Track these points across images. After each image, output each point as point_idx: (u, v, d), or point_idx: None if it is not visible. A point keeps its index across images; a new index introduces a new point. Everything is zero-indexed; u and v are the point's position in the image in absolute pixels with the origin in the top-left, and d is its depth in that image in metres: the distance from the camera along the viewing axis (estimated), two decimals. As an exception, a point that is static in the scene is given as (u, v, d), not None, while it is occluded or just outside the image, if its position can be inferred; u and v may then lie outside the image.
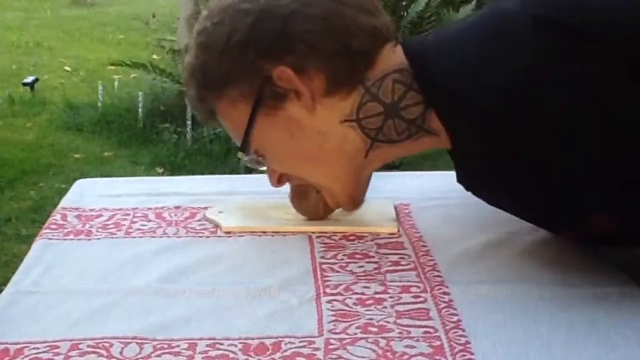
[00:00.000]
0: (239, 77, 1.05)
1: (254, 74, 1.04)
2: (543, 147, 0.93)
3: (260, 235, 1.16)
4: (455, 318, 0.91)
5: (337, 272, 1.03)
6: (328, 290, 0.98)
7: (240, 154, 1.12)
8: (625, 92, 0.90)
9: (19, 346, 0.86)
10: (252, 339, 0.87)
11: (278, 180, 1.15)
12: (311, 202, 1.16)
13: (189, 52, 1.11)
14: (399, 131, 1.05)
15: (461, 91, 0.97)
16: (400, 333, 0.88)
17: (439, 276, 1.01)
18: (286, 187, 1.23)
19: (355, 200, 1.15)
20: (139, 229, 1.18)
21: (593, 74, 0.91)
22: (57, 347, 0.86)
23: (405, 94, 1.03)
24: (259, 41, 1.04)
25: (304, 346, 0.86)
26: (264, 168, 1.15)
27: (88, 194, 1.32)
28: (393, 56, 1.05)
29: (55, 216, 1.23)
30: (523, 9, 0.96)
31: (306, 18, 1.03)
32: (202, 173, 3.80)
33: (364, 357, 0.84)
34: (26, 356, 0.85)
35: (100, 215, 1.23)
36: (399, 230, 1.16)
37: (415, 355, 0.84)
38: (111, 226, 1.19)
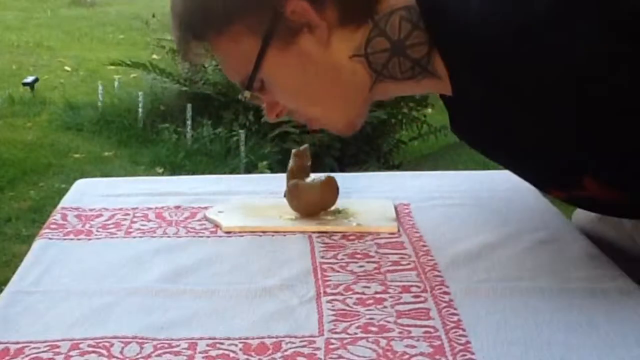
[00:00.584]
0: (246, 13, 1.01)
1: (263, 8, 1.00)
2: (545, 99, 0.92)
3: (261, 235, 1.16)
4: (455, 318, 0.91)
5: (338, 271, 1.04)
6: (328, 290, 0.98)
7: (245, 93, 1.07)
8: (634, 52, 0.88)
9: (19, 346, 0.86)
10: (253, 338, 0.87)
11: (277, 115, 1.11)
12: (304, 202, 1.19)
13: None
14: (402, 69, 1.03)
15: (466, 33, 0.95)
16: (400, 333, 0.88)
17: (439, 276, 1.01)
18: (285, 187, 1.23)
19: (355, 127, 1.11)
20: (139, 229, 1.18)
21: (603, 33, 0.88)
22: (58, 346, 0.86)
23: (411, 32, 1.01)
24: None
25: (304, 346, 0.86)
26: (264, 105, 1.11)
27: (88, 193, 1.32)
28: None
29: (55, 216, 1.23)
30: None
31: None
32: (202, 173, 3.80)
33: (364, 357, 0.84)
34: (27, 356, 0.85)
35: (100, 215, 1.23)
36: (399, 230, 1.16)
37: (415, 355, 0.84)
38: (111, 226, 1.19)
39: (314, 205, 1.21)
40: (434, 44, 0.99)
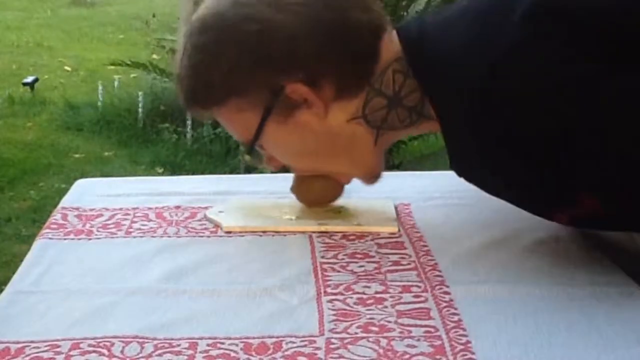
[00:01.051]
0: (247, 91, 1.06)
1: (263, 88, 1.05)
2: (527, 127, 0.94)
3: (261, 235, 1.16)
4: (455, 318, 0.91)
5: (338, 271, 1.04)
6: (329, 290, 0.98)
7: (246, 157, 1.15)
8: (608, 71, 0.91)
9: (19, 345, 0.86)
10: (253, 338, 0.87)
11: (276, 166, 1.18)
12: (315, 192, 1.20)
13: (183, 65, 1.09)
14: (401, 119, 1.07)
15: (448, 74, 0.98)
16: (401, 333, 0.88)
17: (439, 276, 1.01)
18: (287, 187, 1.23)
19: (376, 176, 1.17)
20: (139, 229, 1.18)
21: (577, 54, 0.92)
22: (58, 346, 0.86)
23: (404, 82, 1.05)
24: (267, 59, 1.04)
25: (305, 346, 0.86)
26: (265, 160, 1.17)
27: (88, 193, 1.32)
28: (391, 45, 1.06)
29: (56, 216, 1.23)
30: None
31: (310, 30, 1.04)
32: (202, 173, 3.80)
33: (365, 357, 0.84)
34: (27, 355, 0.85)
35: (101, 215, 1.23)
36: (399, 230, 1.16)
37: (416, 355, 0.84)
38: (111, 226, 1.19)
39: (319, 195, 1.20)
40: (423, 89, 1.03)
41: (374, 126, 1.08)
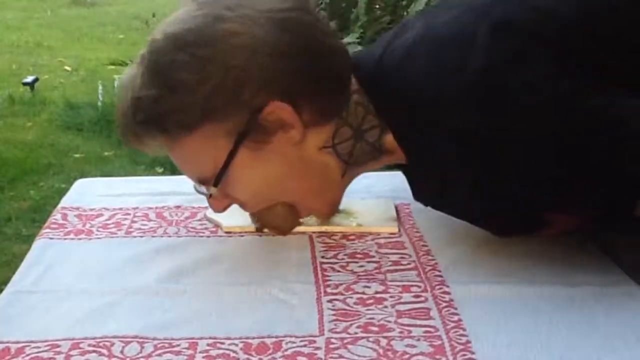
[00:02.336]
0: (226, 114, 0.99)
1: (243, 109, 0.99)
2: (491, 153, 0.93)
3: (261, 235, 1.16)
4: (455, 318, 0.91)
5: (338, 271, 1.04)
6: (329, 290, 0.98)
7: (197, 186, 1.08)
8: (575, 93, 0.91)
9: (19, 345, 0.86)
10: (253, 338, 0.87)
11: (224, 207, 1.11)
12: (279, 213, 1.11)
13: (148, 87, 1.01)
14: (364, 153, 1.07)
15: (411, 108, 0.98)
16: (401, 332, 0.88)
17: (439, 276, 1.01)
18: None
19: (334, 211, 1.16)
20: (139, 229, 1.18)
21: (543, 78, 0.91)
22: (58, 346, 0.86)
23: (365, 116, 1.04)
24: (253, 76, 0.98)
25: (304, 345, 0.86)
26: (209, 200, 1.10)
27: (88, 193, 1.33)
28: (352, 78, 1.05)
29: (56, 216, 1.23)
30: (480, 14, 0.96)
31: (293, 48, 0.99)
32: (202, 173, 3.80)
33: (364, 357, 0.84)
34: (27, 355, 0.85)
35: (101, 215, 1.23)
36: (399, 230, 1.16)
37: (416, 355, 0.84)
38: (111, 226, 1.19)
39: (287, 220, 1.13)
40: (385, 124, 1.03)
41: (343, 159, 1.06)
